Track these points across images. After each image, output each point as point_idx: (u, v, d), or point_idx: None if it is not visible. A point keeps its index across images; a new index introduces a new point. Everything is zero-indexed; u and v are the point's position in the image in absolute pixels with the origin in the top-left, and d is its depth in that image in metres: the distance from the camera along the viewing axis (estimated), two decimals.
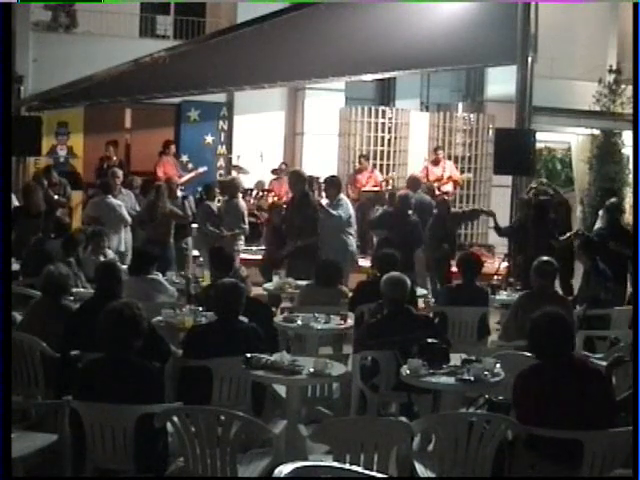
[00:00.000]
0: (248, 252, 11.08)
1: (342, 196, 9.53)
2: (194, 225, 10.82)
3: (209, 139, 15.00)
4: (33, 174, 12.09)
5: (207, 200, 10.70)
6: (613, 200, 9.79)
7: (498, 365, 5.08)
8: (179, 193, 11.23)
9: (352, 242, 9.54)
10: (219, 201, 11.27)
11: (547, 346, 4.38)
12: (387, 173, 14.51)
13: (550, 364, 4.37)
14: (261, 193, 13.33)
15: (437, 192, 13.28)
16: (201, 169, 13.62)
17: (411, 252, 9.48)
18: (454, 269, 8.71)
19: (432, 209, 10.46)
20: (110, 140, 13.52)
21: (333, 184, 9.58)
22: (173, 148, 13.65)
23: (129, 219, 10.27)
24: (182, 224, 10.34)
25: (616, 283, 7.65)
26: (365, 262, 12.08)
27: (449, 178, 13.49)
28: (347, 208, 9.40)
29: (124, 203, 10.59)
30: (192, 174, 13.45)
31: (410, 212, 9.77)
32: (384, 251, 7.80)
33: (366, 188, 13.17)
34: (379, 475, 3.24)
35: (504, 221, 10.33)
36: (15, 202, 9.96)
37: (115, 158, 13.30)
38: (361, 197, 13.07)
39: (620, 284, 7.93)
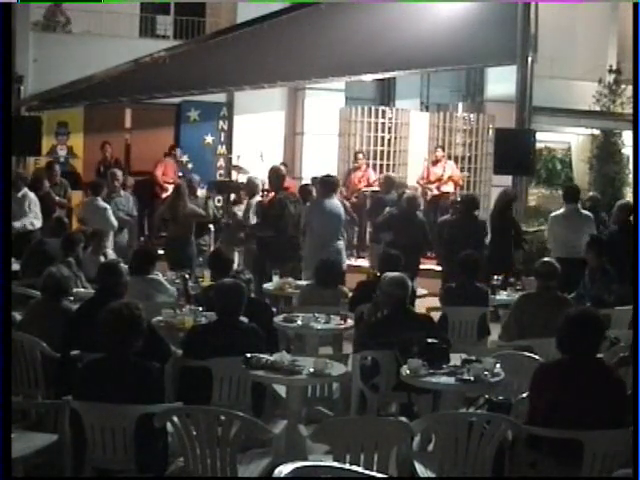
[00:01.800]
0: None
1: (324, 199, 9.24)
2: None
3: (209, 139, 14.99)
4: (34, 172, 12.02)
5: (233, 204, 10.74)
6: (623, 201, 9.87)
7: (498, 365, 5.08)
8: (200, 192, 11.29)
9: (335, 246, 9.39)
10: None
11: (578, 343, 4.36)
12: (387, 173, 14.50)
13: (575, 362, 4.37)
14: (261, 193, 13.33)
15: (436, 192, 13.34)
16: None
17: (418, 254, 9.48)
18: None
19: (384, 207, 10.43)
20: (105, 140, 13.53)
21: (324, 184, 9.46)
22: (178, 152, 13.81)
23: (115, 223, 10.20)
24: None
25: (621, 285, 7.64)
26: (363, 262, 12.12)
27: (449, 178, 13.49)
28: (313, 210, 9.28)
29: (122, 206, 10.56)
30: None
31: (419, 213, 9.79)
32: (386, 251, 7.80)
33: (361, 187, 13.17)
34: (379, 475, 3.24)
35: None
36: None
37: (110, 158, 13.33)
38: (359, 196, 13.06)
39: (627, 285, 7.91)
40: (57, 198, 11.02)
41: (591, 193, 10.72)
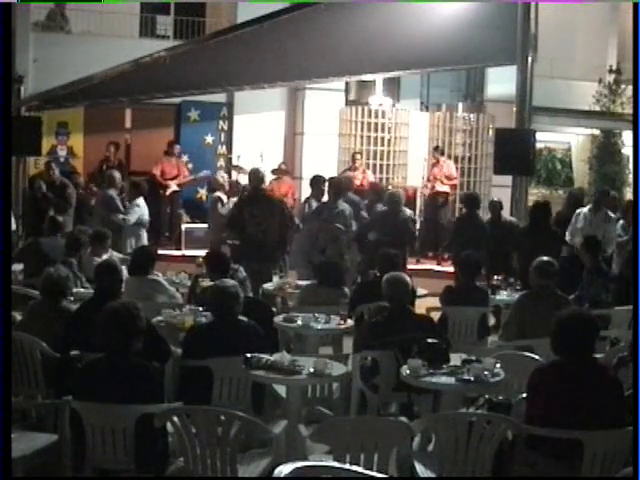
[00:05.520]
0: None
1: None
2: None
3: (209, 139, 14.99)
4: (31, 176, 11.92)
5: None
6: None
7: (498, 365, 5.08)
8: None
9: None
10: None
11: (570, 344, 4.36)
12: (387, 173, 14.51)
13: (569, 363, 4.36)
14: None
15: (431, 191, 13.39)
16: (203, 173, 13.81)
17: (403, 250, 9.51)
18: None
19: (359, 210, 10.37)
20: (112, 141, 13.54)
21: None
22: (177, 148, 13.82)
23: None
24: None
25: (619, 284, 7.64)
26: None
27: (447, 177, 13.50)
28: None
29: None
30: (193, 177, 13.80)
31: (405, 209, 9.86)
32: (385, 251, 7.80)
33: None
34: (379, 475, 3.24)
35: None
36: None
37: (113, 159, 13.33)
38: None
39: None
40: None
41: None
